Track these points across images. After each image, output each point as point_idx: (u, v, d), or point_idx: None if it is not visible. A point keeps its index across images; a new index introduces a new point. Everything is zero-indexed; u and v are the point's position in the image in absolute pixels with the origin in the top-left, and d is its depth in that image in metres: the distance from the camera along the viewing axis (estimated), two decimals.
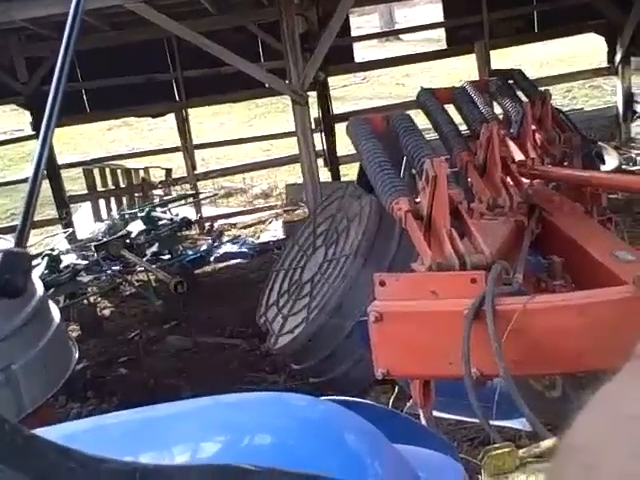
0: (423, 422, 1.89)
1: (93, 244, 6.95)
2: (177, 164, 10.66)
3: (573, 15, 9.35)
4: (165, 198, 8.79)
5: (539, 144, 3.54)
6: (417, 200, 2.18)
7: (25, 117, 9.75)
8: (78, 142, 16.12)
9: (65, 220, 8.73)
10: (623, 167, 7.34)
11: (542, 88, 4.59)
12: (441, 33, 10.80)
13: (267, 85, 7.60)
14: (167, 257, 7.32)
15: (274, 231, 9.12)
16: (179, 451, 0.84)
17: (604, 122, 9.77)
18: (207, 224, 9.78)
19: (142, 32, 7.90)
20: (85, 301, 6.62)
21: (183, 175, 10.08)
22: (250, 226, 9.68)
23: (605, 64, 10.03)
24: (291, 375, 4.96)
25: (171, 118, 10.01)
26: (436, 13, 12.45)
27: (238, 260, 8.14)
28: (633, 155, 8.95)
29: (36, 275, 5.32)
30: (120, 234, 7.07)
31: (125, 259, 6.80)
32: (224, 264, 8.07)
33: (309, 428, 0.92)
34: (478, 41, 8.83)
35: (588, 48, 14.19)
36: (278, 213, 10.00)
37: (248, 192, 11.49)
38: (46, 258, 6.34)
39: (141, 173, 9.91)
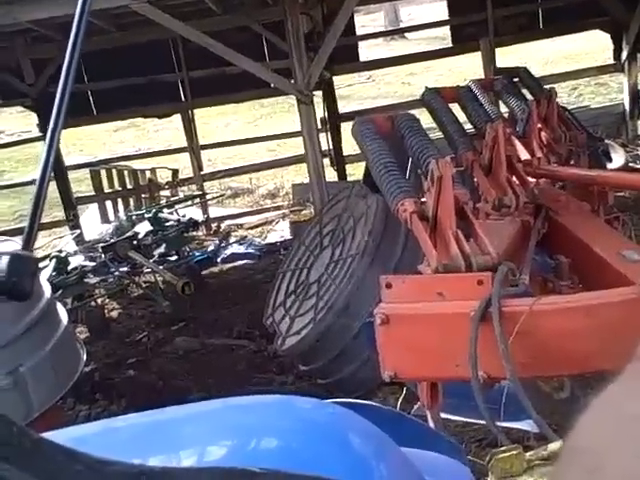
0: (431, 424, 1.89)
1: (100, 245, 6.96)
2: (184, 165, 10.68)
3: (578, 12, 9.32)
4: (172, 199, 8.80)
5: (545, 143, 3.53)
6: (422, 201, 2.17)
7: (32, 119, 9.79)
8: (85, 143, 16.17)
9: (72, 222, 8.76)
10: (630, 165, 7.31)
11: (548, 86, 4.58)
12: (446, 31, 10.79)
13: (272, 85, 7.60)
14: (174, 258, 7.33)
15: (281, 231, 9.13)
16: (186, 454, 0.83)
17: (611, 119, 9.74)
18: (214, 225, 9.79)
19: (147, 33, 7.92)
20: (93, 303, 6.64)
21: (190, 176, 10.10)
22: (257, 227, 9.69)
23: (611, 61, 9.99)
24: (299, 376, 4.96)
25: (177, 119, 10.03)
26: (441, 11, 12.44)
27: (245, 261, 8.15)
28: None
29: (44, 277, 5.34)
30: (127, 235, 7.08)
31: (132, 260, 6.81)
32: (231, 265, 8.08)
33: (314, 431, 0.92)
34: (483, 39, 8.81)
35: (594, 45, 14.15)
36: (285, 213, 10.00)
37: (255, 192, 11.50)
38: (54, 260, 6.36)
39: (148, 174, 9.93)
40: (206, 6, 6.91)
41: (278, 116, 16.25)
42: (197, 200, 8.96)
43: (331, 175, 8.55)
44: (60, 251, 6.70)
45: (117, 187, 9.74)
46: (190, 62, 9.13)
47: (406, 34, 20.25)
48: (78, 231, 8.25)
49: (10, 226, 10.45)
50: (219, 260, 8.20)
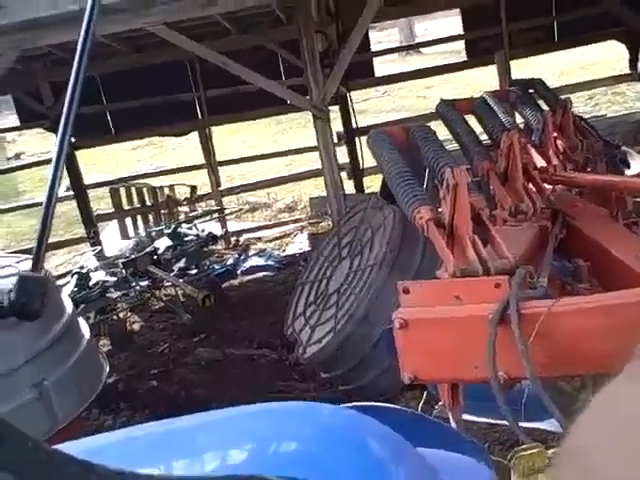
0: (453, 425, 1.90)
1: (121, 261, 7.03)
2: (202, 181, 10.77)
3: (593, 24, 9.30)
4: (191, 214, 8.87)
5: (561, 151, 3.54)
6: (439, 209, 2.19)
7: (51, 140, 9.93)
8: (104, 162, 16.34)
9: (93, 239, 8.86)
10: None
11: (564, 96, 4.59)
12: (461, 45, 10.83)
13: (288, 102, 7.67)
14: (194, 272, 7.39)
15: (299, 243, 9.16)
16: (206, 460, 0.85)
17: (627, 128, 9.70)
18: (233, 239, 9.85)
19: (163, 54, 8.03)
20: (115, 316, 6.71)
21: (208, 192, 10.17)
22: (276, 239, 9.73)
23: (627, 71, 9.97)
24: (320, 384, 4.99)
25: (194, 136, 10.13)
26: (456, 25, 12.48)
27: (264, 273, 8.19)
28: None
29: (65, 293, 5.40)
30: (147, 250, 7.15)
31: (153, 275, 6.88)
32: (251, 277, 8.12)
33: (332, 437, 0.93)
34: (498, 52, 8.83)
35: (609, 55, 14.12)
36: (303, 226, 10.05)
37: (272, 206, 11.56)
38: (75, 276, 6.44)
39: (166, 191, 10.02)
40: (221, 27, 6.99)
41: (295, 132, 16.35)
42: (215, 215, 9.03)
43: (349, 188, 8.59)
44: (82, 267, 6.79)
45: (136, 204, 9.83)
46: (206, 81, 9.23)
47: (421, 49, 20.31)
48: (99, 248, 8.34)
49: (31, 244, 10.57)
50: (239, 273, 8.24)
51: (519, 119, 4.14)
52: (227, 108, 9.32)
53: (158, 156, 17.36)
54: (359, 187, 9.23)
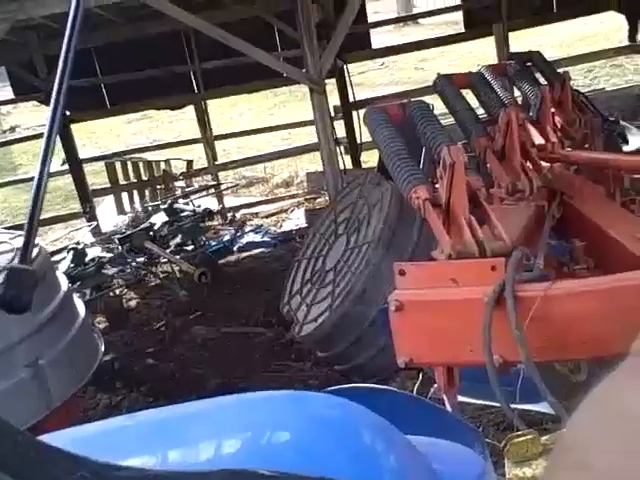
0: (448, 407, 1.90)
1: (117, 237, 7.01)
2: (198, 155, 10.70)
3: None
4: (187, 189, 8.84)
5: (559, 127, 3.51)
6: (435, 188, 2.17)
7: (46, 112, 9.84)
8: (99, 136, 16.24)
9: (88, 214, 8.83)
10: None
11: (562, 69, 4.54)
12: (459, 16, 10.70)
13: (285, 74, 7.60)
14: (190, 248, 7.37)
15: (296, 220, 9.14)
16: (199, 451, 0.85)
17: (626, 101, 9.63)
18: (229, 214, 9.82)
19: (159, 25, 7.92)
20: (111, 293, 6.70)
21: (204, 166, 10.12)
22: (272, 215, 9.70)
23: (626, 42, 9.88)
24: (316, 362, 4.99)
25: (190, 110, 10.05)
26: None
27: (261, 249, 8.18)
28: None
29: (60, 270, 5.39)
30: (143, 226, 7.13)
31: (149, 251, 6.86)
32: (247, 254, 8.11)
33: (320, 426, 0.93)
34: (496, 23, 8.73)
35: (608, 26, 13.98)
36: (300, 201, 10.01)
37: (269, 181, 11.51)
38: (71, 252, 6.41)
39: (162, 165, 9.98)
40: None
41: (292, 104, 16.23)
42: (212, 190, 8.99)
43: (347, 163, 8.54)
44: (77, 243, 6.76)
45: (132, 179, 9.79)
46: (202, 53, 9.13)
47: (419, 20, 20.10)
48: (94, 223, 8.31)
49: (26, 220, 10.52)
50: (235, 249, 8.23)
51: (517, 93, 4.10)
52: (223, 81, 9.23)
53: (154, 129, 17.25)
54: (356, 162, 9.17)
